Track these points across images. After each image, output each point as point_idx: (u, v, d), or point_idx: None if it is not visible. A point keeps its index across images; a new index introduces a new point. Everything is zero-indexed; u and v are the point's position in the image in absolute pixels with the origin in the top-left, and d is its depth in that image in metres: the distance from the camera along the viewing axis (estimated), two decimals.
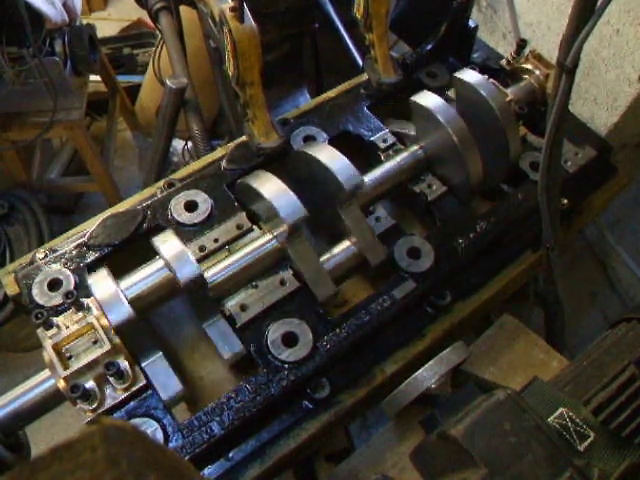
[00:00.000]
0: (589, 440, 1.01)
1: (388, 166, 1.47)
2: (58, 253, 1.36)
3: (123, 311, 1.17)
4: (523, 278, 1.49)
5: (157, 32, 3.26)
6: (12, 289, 1.36)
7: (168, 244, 1.22)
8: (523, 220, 1.46)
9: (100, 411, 1.14)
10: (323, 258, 1.35)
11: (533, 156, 1.53)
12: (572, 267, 2.13)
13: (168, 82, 2.07)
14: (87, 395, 1.13)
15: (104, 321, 1.18)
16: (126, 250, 1.35)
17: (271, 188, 1.25)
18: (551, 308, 1.51)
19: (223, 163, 1.47)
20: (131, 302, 1.19)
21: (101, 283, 1.19)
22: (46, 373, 1.18)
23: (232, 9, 1.32)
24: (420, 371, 1.14)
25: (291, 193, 1.23)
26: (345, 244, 1.37)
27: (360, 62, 2.23)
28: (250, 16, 1.34)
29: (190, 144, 3.06)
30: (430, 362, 1.15)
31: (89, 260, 1.33)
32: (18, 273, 1.34)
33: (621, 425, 1.04)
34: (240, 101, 1.47)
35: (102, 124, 3.64)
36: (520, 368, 1.39)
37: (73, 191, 3.43)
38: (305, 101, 2.22)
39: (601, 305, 2.14)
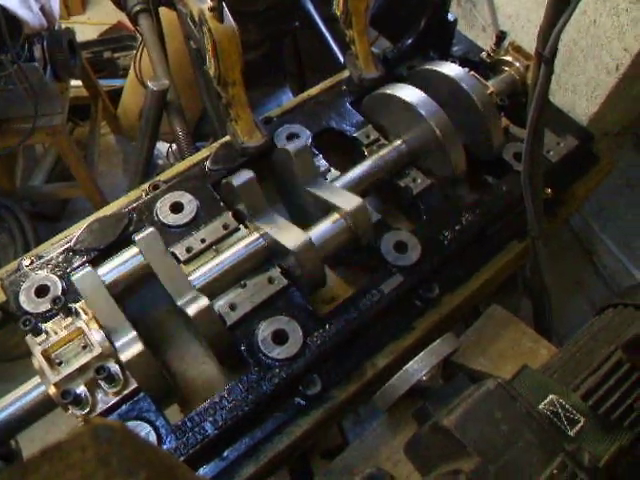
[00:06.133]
0: (579, 425, 1.03)
1: (372, 161, 1.48)
2: (44, 259, 1.35)
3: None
4: (510, 268, 1.50)
5: (137, 35, 3.26)
6: None
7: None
8: (508, 211, 1.47)
9: (92, 416, 1.13)
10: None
11: (516, 147, 1.54)
12: (558, 256, 2.15)
13: (150, 84, 2.06)
14: (78, 400, 1.12)
15: (93, 325, 1.17)
16: (113, 254, 1.35)
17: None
18: (538, 297, 1.52)
19: (208, 164, 1.47)
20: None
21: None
22: (36, 380, 1.17)
23: (211, 9, 1.32)
24: (411, 363, 1.15)
25: None
26: (329, 218, 1.33)
27: (342, 59, 2.23)
28: (230, 15, 1.34)
29: (175, 146, 3.05)
30: (420, 354, 1.15)
31: (76, 265, 1.33)
32: (4, 280, 1.33)
33: (610, 409, 1.05)
34: (223, 101, 1.46)
35: (85, 129, 3.62)
36: (509, 357, 1.40)
37: (58, 197, 3.41)
38: (288, 100, 2.22)
39: (587, 293, 2.16)
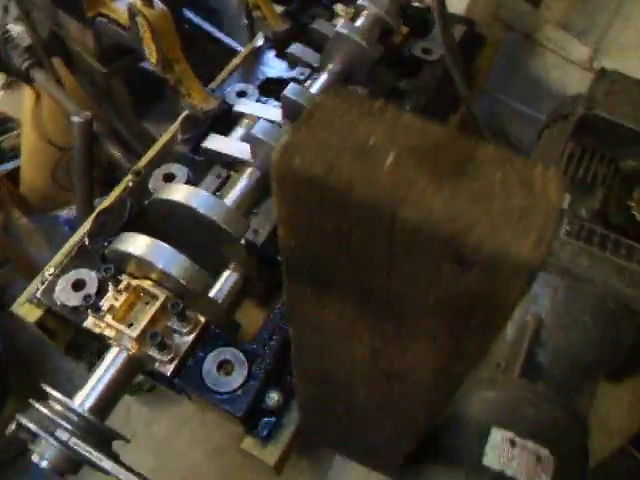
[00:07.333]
0: (569, 199, 1.28)
1: (315, 91, 1.67)
2: (66, 262, 1.42)
3: None
4: None
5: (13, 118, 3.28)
6: (33, 315, 1.40)
7: None
8: (437, 92, 1.73)
9: (178, 359, 1.23)
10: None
11: (422, 44, 1.81)
12: None
13: (73, 119, 2.12)
14: (163, 344, 1.21)
15: (147, 282, 1.27)
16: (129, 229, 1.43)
17: None
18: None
19: (179, 136, 1.60)
20: None
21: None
22: (114, 351, 1.24)
23: None
24: None
25: None
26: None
27: (238, 48, 2.43)
28: (158, 1, 1.50)
29: None
30: None
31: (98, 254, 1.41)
32: (35, 295, 1.39)
33: (583, 177, 1.32)
34: (171, 83, 1.60)
35: None
36: None
37: None
38: None
39: None
